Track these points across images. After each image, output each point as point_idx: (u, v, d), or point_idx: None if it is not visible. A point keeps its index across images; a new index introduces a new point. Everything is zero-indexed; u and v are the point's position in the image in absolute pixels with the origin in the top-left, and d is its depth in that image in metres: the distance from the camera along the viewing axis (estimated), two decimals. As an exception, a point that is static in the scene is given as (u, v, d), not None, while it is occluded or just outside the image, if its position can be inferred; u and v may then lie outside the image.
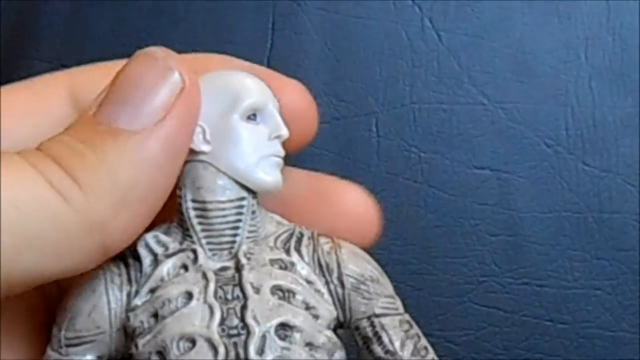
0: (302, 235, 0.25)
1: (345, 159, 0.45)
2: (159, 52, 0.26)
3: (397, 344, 0.24)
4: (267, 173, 0.25)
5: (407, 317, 0.26)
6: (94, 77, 0.28)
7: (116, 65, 0.28)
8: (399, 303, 0.26)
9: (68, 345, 0.24)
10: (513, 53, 0.46)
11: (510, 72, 0.46)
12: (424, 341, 0.25)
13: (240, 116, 0.25)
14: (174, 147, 0.23)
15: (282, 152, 0.25)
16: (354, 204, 0.28)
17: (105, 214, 0.21)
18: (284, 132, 0.25)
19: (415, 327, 0.25)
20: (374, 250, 0.40)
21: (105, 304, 0.24)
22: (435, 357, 0.25)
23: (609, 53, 0.46)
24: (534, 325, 0.43)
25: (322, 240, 0.26)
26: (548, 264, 0.44)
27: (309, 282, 0.24)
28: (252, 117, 0.25)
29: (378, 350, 0.24)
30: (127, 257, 0.25)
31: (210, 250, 0.24)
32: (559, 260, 0.44)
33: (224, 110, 0.25)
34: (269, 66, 0.46)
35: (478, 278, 0.44)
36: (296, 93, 0.27)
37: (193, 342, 0.22)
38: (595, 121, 0.45)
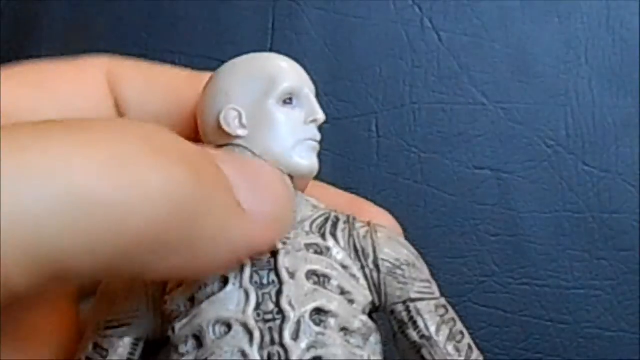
0: (337, 219, 0.25)
1: (345, 159, 0.45)
2: (288, 180, 0.25)
3: (432, 329, 0.24)
4: (303, 157, 0.25)
5: (443, 301, 0.25)
6: (131, 69, 0.28)
7: (154, 66, 0.28)
8: (435, 287, 0.26)
9: (107, 328, 0.24)
10: (513, 53, 0.46)
11: (510, 72, 0.46)
12: (459, 325, 0.25)
13: (276, 100, 0.25)
14: (258, 246, 0.23)
15: (318, 136, 0.25)
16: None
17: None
18: (320, 116, 0.25)
19: (452, 311, 0.25)
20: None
21: (143, 286, 0.24)
22: (472, 342, 0.25)
23: (609, 53, 0.46)
24: (534, 325, 0.43)
25: (358, 224, 0.25)
26: (548, 264, 0.44)
27: (344, 266, 0.24)
28: (288, 101, 0.25)
29: (413, 334, 0.24)
30: None
31: None
32: (559, 260, 0.44)
33: (260, 94, 0.25)
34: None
35: (478, 278, 0.44)
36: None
37: (229, 327, 0.22)
38: (595, 121, 0.45)
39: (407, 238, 0.27)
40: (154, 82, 0.28)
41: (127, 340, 0.24)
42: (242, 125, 0.25)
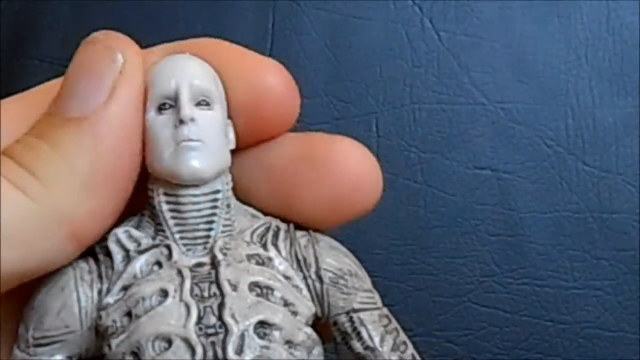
0: (278, 229, 0.24)
1: (345, 159, 0.45)
2: (99, 36, 0.25)
3: (376, 340, 0.24)
4: (179, 163, 0.23)
5: (385, 311, 0.25)
6: (11, 106, 0.28)
7: (38, 93, 0.29)
8: (377, 297, 0.25)
9: (36, 345, 0.23)
10: (513, 53, 0.46)
11: (510, 72, 0.46)
12: (402, 336, 0.24)
13: (154, 110, 0.23)
14: (123, 126, 0.23)
15: (193, 134, 0.23)
16: (352, 162, 0.26)
17: (68, 202, 0.21)
18: (182, 115, 0.23)
19: (394, 321, 0.25)
20: (374, 251, 0.40)
21: (75, 301, 0.23)
22: (414, 352, 0.24)
23: (609, 53, 0.46)
24: (534, 325, 0.43)
25: (299, 234, 0.25)
26: (548, 264, 0.44)
27: (287, 277, 0.23)
28: (162, 106, 0.23)
29: (357, 345, 0.24)
30: (98, 253, 0.23)
31: (185, 245, 0.23)
32: (559, 260, 0.44)
33: (147, 106, 0.24)
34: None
35: (478, 278, 0.44)
36: (274, 74, 0.25)
37: (169, 342, 0.22)
38: (595, 121, 0.45)
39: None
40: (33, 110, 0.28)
41: (58, 359, 0.23)
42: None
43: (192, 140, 0.23)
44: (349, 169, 0.26)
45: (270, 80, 0.24)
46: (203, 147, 0.23)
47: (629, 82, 0.46)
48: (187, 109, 0.23)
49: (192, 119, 0.23)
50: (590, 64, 0.46)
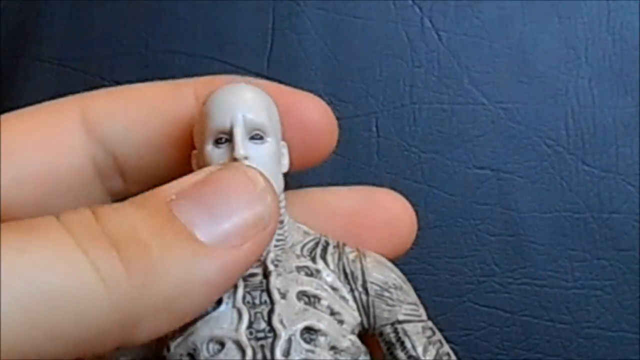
0: (327, 243, 0.26)
1: (345, 159, 0.45)
2: (259, 177, 0.23)
3: (419, 350, 0.25)
4: None
5: (430, 324, 0.26)
6: (106, 102, 0.27)
7: (127, 89, 0.28)
8: (422, 310, 0.27)
9: None
10: (513, 53, 0.46)
11: (510, 72, 0.46)
12: (446, 347, 0.26)
13: (210, 143, 0.25)
14: (235, 273, 0.23)
15: None
16: (309, 114, 0.27)
17: (142, 314, 0.20)
18: (237, 154, 0.24)
19: (439, 333, 0.26)
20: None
21: None
22: None
23: (609, 53, 0.46)
24: (534, 325, 0.43)
25: (347, 249, 0.26)
26: (548, 264, 0.44)
27: (334, 288, 0.25)
28: (219, 140, 0.25)
29: (401, 355, 0.25)
30: None
31: None
32: (559, 260, 0.44)
33: (201, 138, 0.25)
34: (269, 66, 0.46)
35: (478, 278, 0.44)
36: (315, 108, 0.27)
37: (222, 345, 0.23)
38: (595, 121, 0.45)
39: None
40: (131, 107, 0.27)
41: None
42: (199, 169, 0.25)
43: None
44: (305, 120, 0.27)
45: (316, 116, 0.27)
46: None
47: (629, 82, 0.46)
48: (241, 148, 0.24)
49: (246, 157, 0.24)
50: (590, 64, 0.46)
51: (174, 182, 0.22)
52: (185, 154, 0.27)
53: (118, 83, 0.47)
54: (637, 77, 0.46)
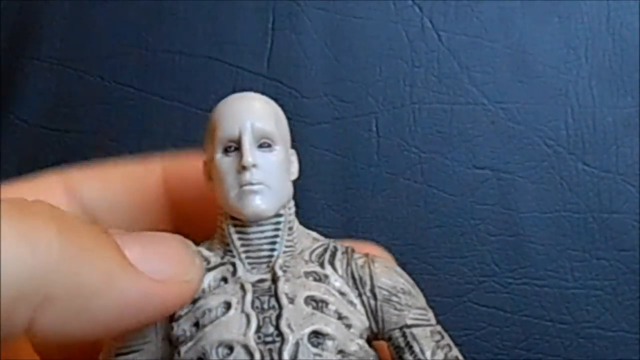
0: (336, 249, 0.26)
1: (345, 159, 0.45)
2: (193, 246, 0.26)
3: (427, 354, 0.25)
4: (244, 205, 0.25)
5: (438, 328, 0.27)
6: (89, 178, 0.30)
7: (111, 167, 0.30)
8: (430, 314, 0.27)
9: (118, 355, 0.25)
10: (513, 53, 0.46)
11: (510, 72, 0.46)
12: (455, 351, 0.26)
13: (220, 151, 0.26)
14: (151, 306, 0.23)
15: (254, 178, 0.25)
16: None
17: (54, 293, 0.21)
18: (245, 163, 0.25)
19: (447, 337, 0.26)
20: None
21: None
22: None
23: (609, 53, 0.46)
24: (534, 325, 0.43)
25: (356, 255, 0.27)
26: (548, 264, 0.44)
27: (342, 293, 0.25)
28: (228, 149, 0.26)
29: (410, 359, 0.25)
30: None
31: (250, 264, 0.26)
32: (559, 260, 0.44)
33: (211, 146, 0.26)
34: (269, 66, 0.46)
35: (478, 278, 0.44)
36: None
37: (231, 349, 0.24)
38: (595, 121, 0.45)
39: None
40: (111, 183, 0.30)
41: None
42: (210, 178, 0.27)
43: (254, 184, 0.25)
44: None
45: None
46: (265, 189, 0.25)
47: (629, 82, 0.46)
48: (249, 156, 0.25)
49: (254, 165, 0.25)
50: (590, 64, 0.46)
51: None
52: (154, 217, 0.29)
53: (118, 83, 0.47)
54: (637, 77, 0.46)
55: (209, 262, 0.26)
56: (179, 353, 0.24)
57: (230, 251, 0.26)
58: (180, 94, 0.46)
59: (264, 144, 0.26)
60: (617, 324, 0.43)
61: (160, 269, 0.23)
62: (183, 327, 0.25)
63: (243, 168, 0.25)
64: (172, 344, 0.25)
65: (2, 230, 0.19)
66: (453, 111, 0.46)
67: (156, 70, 0.46)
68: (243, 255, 0.26)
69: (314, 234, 0.27)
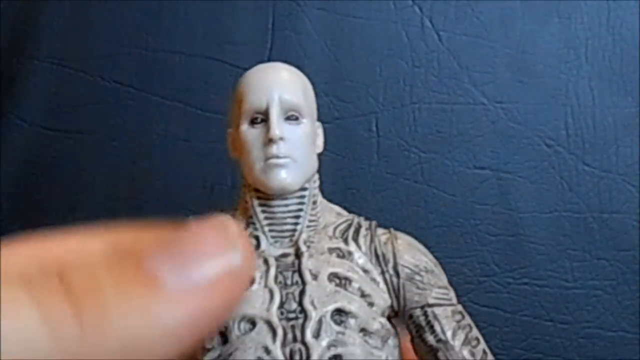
0: (360, 225, 0.26)
1: (345, 159, 0.45)
2: (232, 226, 0.23)
3: (449, 334, 0.25)
4: (269, 178, 0.25)
5: (459, 307, 0.27)
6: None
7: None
8: (452, 294, 0.27)
9: None
10: (513, 53, 0.46)
11: (510, 72, 0.46)
12: (475, 332, 0.26)
13: (246, 122, 0.26)
14: (205, 323, 0.22)
15: (280, 151, 0.25)
16: None
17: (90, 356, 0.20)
18: (272, 136, 0.25)
19: (468, 317, 0.26)
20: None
21: None
22: (486, 348, 0.26)
23: (609, 53, 0.46)
24: (534, 325, 0.43)
25: (380, 231, 0.27)
26: (548, 264, 0.44)
27: (365, 270, 0.25)
28: (255, 120, 0.25)
29: (430, 338, 0.25)
30: None
31: (273, 237, 0.25)
32: (559, 260, 0.44)
33: (237, 117, 0.26)
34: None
35: (478, 278, 0.44)
36: None
37: (253, 324, 0.24)
38: (595, 121, 0.45)
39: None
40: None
41: None
42: (235, 148, 0.26)
43: (280, 157, 0.25)
44: None
45: None
46: (291, 162, 0.25)
47: (629, 82, 0.46)
48: (277, 129, 0.25)
49: (281, 138, 0.25)
50: (590, 64, 0.46)
51: (149, 234, 0.23)
52: None
53: (118, 83, 0.47)
54: (637, 77, 0.46)
55: None
56: None
57: (254, 224, 0.26)
58: (180, 94, 0.46)
59: (292, 117, 0.26)
60: (617, 324, 0.43)
61: (199, 276, 0.21)
62: None
63: (270, 141, 0.25)
64: None
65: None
66: (453, 111, 0.46)
67: (156, 70, 0.46)
68: (266, 229, 0.26)
69: (337, 208, 0.27)
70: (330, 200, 0.28)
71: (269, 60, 0.46)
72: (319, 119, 0.28)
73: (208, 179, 0.44)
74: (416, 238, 0.35)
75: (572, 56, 0.46)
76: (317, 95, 0.28)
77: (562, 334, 0.43)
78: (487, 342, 0.28)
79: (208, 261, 0.21)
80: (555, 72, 0.46)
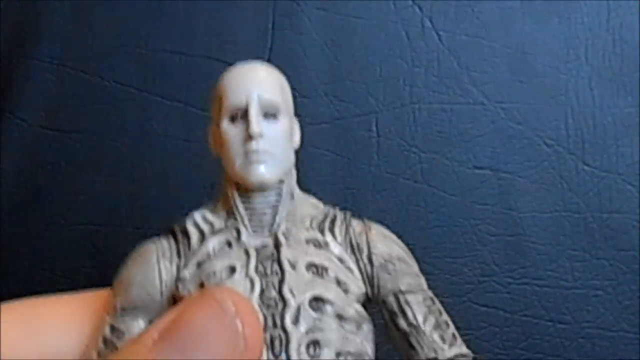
0: (335, 217, 0.27)
1: (345, 159, 0.45)
2: (228, 302, 0.23)
3: (420, 318, 0.26)
4: (248, 173, 0.26)
5: (430, 293, 0.27)
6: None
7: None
8: (422, 281, 0.28)
9: (122, 310, 0.26)
10: (513, 53, 0.46)
11: (510, 72, 0.46)
12: (445, 316, 0.27)
13: (226, 119, 0.26)
14: None
15: (259, 146, 0.26)
16: None
17: None
18: (252, 132, 0.26)
19: (438, 303, 0.27)
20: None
21: (157, 274, 0.26)
22: (455, 332, 0.27)
23: (609, 53, 0.46)
24: (534, 325, 0.43)
25: (354, 222, 0.27)
26: (548, 264, 0.44)
27: (340, 260, 0.26)
28: (235, 116, 0.26)
29: (402, 323, 0.26)
30: (177, 233, 0.27)
31: (252, 228, 0.26)
32: (559, 260, 0.44)
33: (217, 113, 0.27)
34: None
35: (478, 278, 0.44)
36: None
37: None
38: (595, 121, 0.45)
39: (407, 238, 0.28)
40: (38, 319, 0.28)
41: (141, 323, 0.26)
42: (216, 143, 0.27)
43: (259, 152, 0.26)
44: None
45: None
46: (269, 158, 0.26)
47: (629, 82, 0.46)
48: (255, 125, 0.26)
49: (260, 135, 0.26)
50: (590, 64, 0.46)
51: (154, 325, 0.23)
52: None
53: (118, 83, 0.47)
54: (637, 77, 0.46)
55: (213, 227, 0.27)
56: None
57: (234, 216, 0.27)
58: (180, 94, 0.46)
59: (270, 114, 0.26)
60: (617, 324, 0.43)
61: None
62: (188, 288, 0.26)
63: (249, 137, 0.26)
64: (177, 302, 0.26)
65: None
66: (453, 111, 0.46)
67: (156, 70, 0.46)
68: (246, 220, 0.26)
69: (313, 200, 0.28)
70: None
71: (269, 60, 0.46)
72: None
73: (208, 179, 0.44)
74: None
75: (572, 56, 0.46)
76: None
77: (562, 334, 0.43)
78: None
79: (210, 348, 0.22)
80: (555, 72, 0.46)
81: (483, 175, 0.45)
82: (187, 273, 0.26)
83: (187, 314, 0.23)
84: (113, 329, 0.26)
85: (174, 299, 0.26)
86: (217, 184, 0.28)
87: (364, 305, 0.26)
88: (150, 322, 0.26)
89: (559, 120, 0.45)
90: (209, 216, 0.27)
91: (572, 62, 0.46)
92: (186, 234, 0.27)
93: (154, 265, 0.26)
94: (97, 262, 0.44)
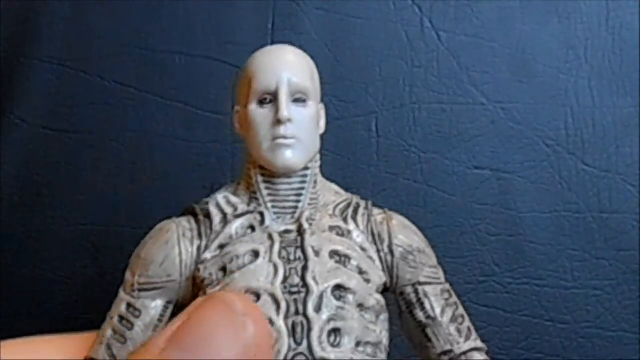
0: (358, 205, 0.27)
1: (345, 159, 0.45)
2: (237, 304, 0.23)
3: (437, 311, 0.27)
4: (275, 157, 0.26)
5: (448, 286, 0.28)
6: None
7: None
8: (441, 273, 0.28)
9: (140, 290, 0.26)
10: (513, 53, 0.46)
11: (510, 72, 0.46)
12: (461, 309, 0.28)
13: (255, 101, 0.26)
14: None
15: (288, 132, 0.26)
16: None
17: None
18: (281, 117, 0.26)
19: (455, 296, 0.28)
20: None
21: (177, 254, 0.26)
22: (471, 325, 0.27)
23: (609, 53, 0.46)
24: (534, 325, 0.43)
25: (376, 211, 0.28)
26: (548, 264, 0.44)
27: (363, 249, 0.26)
28: (264, 100, 0.26)
29: (420, 315, 0.27)
30: (198, 213, 0.27)
31: (275, 213, 0.26)
32: (559, 260, 0.44)
33: (245, 96, 0.27)
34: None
35: (478, 278, 0.44)
36: None
37: (258, 296, 0.24)
38: (595, 121, 0.45)
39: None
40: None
41: (159, 303, 0.26)
42: (242, 125, 0.27)
43: (287, 138, 0.26)
44: None
45: None
46: (297, 143, 0.26)
47: (629, 82, 0.46)
48: (285, 111, 0.26)
49: (289, 120, 0.26)
50: (590, 64, 0.46)
51: (163, 331, 0.23)
52: None
53: (118, 83, 0.47)
54: (637, 77, 0.46)
55: (236, 209, 0.27)
56: (205, 294, 0.25)
57: (257, 199, 0.27)
58: (180, 94, 0.46)
59: (299, 99, 0.27)
60: (617, 324, 0.43)
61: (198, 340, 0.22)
62: (210, 271, 0.26)
63: (278, 122, 0.26)
64: (197, 285, 0.26)
65: None
66: (453, 111, 0.46)
67: (156, 70, 0.46)
68: (269, 205, 0.26)
69: (335, 187, 0.28)
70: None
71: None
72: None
73: (208, 179, 0.44)
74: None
75: (572, 56, 0.46)
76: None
77: (562, 334, 0.43)
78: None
79: (222, 350, 0.22)
80: (555, 72, 0.46)
81: (483, 175, 0.45)
82: (208, 255, 0.26)
83: (196, 316, 0.23)
84: (129, 306, 0.26)
85: (194, 281, 0.26)
86: (240, 165, 0.28)
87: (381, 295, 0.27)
88: (168, 302, 0.26)
89: (559, 120, 0.45)
90: (232, 198, 0.27)
91: (572, 62, 0.46)
92: (208, 215, 0.27)
93: (175, 245, 0.26)
94: (97, 262, 0.44)
